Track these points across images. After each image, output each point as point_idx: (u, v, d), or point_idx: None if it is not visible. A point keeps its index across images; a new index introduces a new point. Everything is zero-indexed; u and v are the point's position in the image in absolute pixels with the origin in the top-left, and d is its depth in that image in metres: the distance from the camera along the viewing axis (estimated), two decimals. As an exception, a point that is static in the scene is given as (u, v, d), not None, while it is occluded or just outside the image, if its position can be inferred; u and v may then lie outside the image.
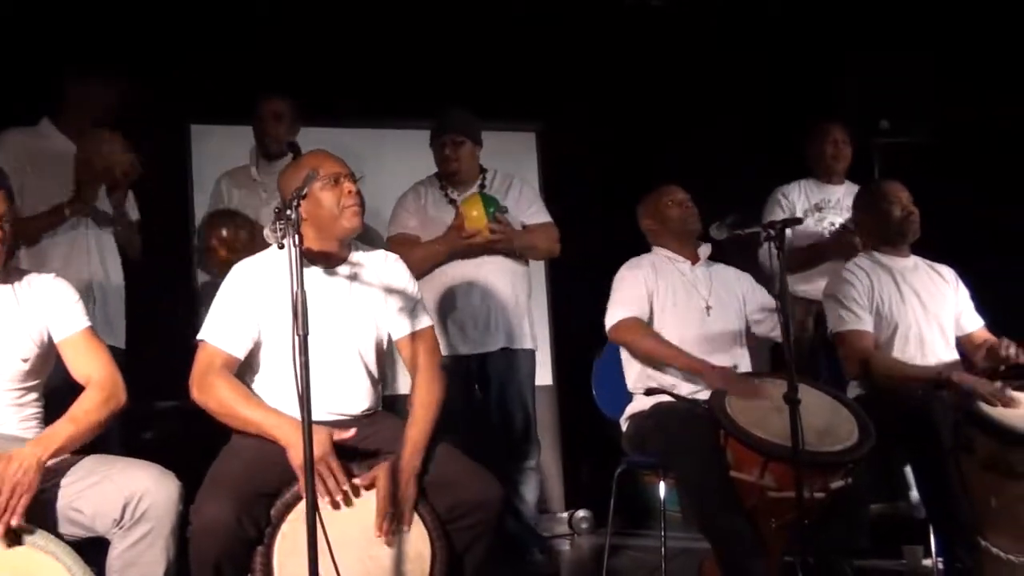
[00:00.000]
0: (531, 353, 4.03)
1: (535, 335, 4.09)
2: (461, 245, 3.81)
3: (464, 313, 3.89)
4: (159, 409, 4.02)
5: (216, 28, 4.49)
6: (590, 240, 4.50)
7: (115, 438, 3.55)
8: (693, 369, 3.31)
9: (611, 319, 3.46)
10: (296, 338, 2.17)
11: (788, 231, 2.98)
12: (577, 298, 3.59)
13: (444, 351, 3.82)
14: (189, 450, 2.75)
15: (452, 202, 3.95)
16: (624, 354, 3.56)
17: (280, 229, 2.21)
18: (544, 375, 4.78)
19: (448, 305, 3.90)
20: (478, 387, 3.99)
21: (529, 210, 4.03)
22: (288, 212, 2.19)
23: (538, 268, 4.70)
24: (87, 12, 4.25)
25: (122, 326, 3.78)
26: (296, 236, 2.19)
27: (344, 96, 4.71)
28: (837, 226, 4.33)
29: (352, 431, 2.54)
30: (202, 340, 2.62)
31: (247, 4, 4.49)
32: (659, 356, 3.39)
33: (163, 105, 4.31)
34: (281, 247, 2.19)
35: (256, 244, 3.48)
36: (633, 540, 4.34)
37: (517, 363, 3.96)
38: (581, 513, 4.78)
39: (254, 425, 2.53)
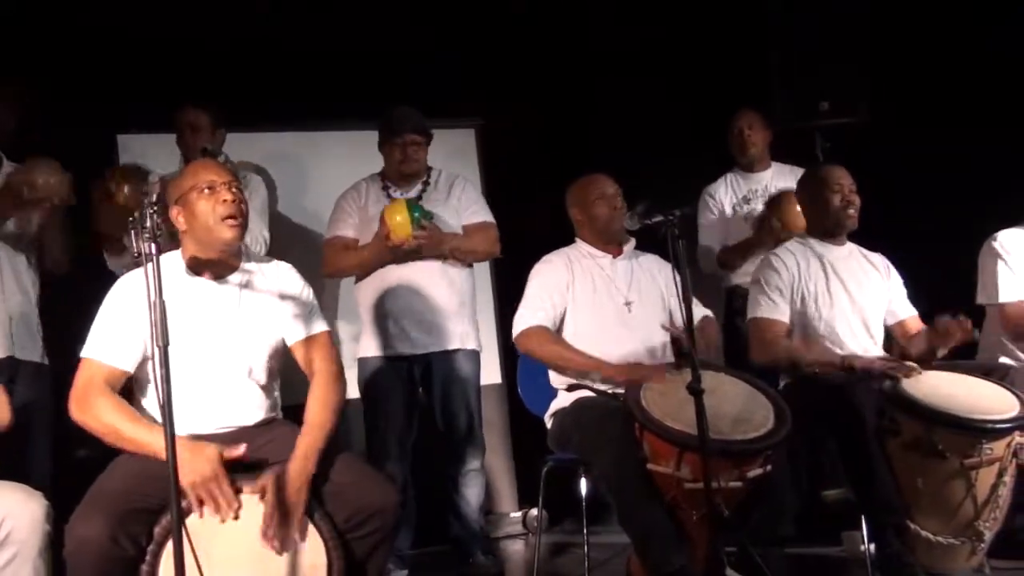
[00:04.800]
0: (475, 354, 3.97)
1: (479, 335, 4.02)
2: (386, 253, 3.75)
3: (405, 314, 3.82)
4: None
5: (143, 35, 4.42)
6: (533, 236, 4.42)
7: (45, 458, 3.53)
8: (596, 370, 3.31)
9: (517, 326, 3.47)
10: (156, 350, 2.11)
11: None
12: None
13: (385, 352, 3.83)
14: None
15: None
16: None
17: (145, 241, 2.15)
18: (493, 374, 4.72)
19: (389, 306, 3.83)
20: (421, 389, 3.92)
21: (468, 210, 3.96)
22: (145, 222, 2.13)
23: (483, 266, 4.63)
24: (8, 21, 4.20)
25: (41, 340, 3.73)
26: (152, 244, 2.13)
27: (280, 99, 4.63)
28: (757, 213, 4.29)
29: (242, 448, 2.48)
30: (84, 357, 2.56)
31: (176, 9, 4.43)
32: (562, 362, 3.40)
33: (89, 115, 4.24)
34: (136, 255, 2.13)
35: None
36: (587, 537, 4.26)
37: (460, 364, 3.89)
38: (535, 512, 4.71)
39: (140, 445, 2.45)
